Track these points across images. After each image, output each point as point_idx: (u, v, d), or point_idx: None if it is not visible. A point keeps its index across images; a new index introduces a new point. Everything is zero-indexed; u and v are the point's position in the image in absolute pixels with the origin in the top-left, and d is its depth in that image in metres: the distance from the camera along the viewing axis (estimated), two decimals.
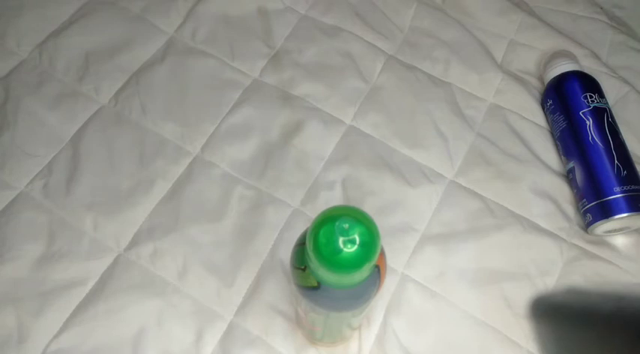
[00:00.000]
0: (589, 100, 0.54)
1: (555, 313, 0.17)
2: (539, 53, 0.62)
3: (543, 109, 0.59)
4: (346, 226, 0.26)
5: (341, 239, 0.26)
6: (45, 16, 0.59)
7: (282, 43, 0.60)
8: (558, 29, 0.64)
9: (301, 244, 0.30)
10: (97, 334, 0.45)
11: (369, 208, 0.51)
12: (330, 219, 0.26)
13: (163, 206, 0.50)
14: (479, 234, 0.51)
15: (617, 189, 0.49)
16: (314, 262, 0.27)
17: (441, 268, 0.49)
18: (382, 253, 0.31)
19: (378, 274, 0.30)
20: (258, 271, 0.48)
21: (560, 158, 0.56)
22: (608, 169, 0.50)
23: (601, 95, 0.55)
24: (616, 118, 0.54)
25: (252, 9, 0.62)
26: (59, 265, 0.47)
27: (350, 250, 0.26)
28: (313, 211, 0.51)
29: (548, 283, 0.50)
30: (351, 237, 0.26)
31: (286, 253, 0.48)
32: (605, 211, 0.49)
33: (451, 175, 0.54)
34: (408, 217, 0.51)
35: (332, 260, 0.26)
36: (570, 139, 0.53)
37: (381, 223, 0.50)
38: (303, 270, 0.29)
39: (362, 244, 0.26)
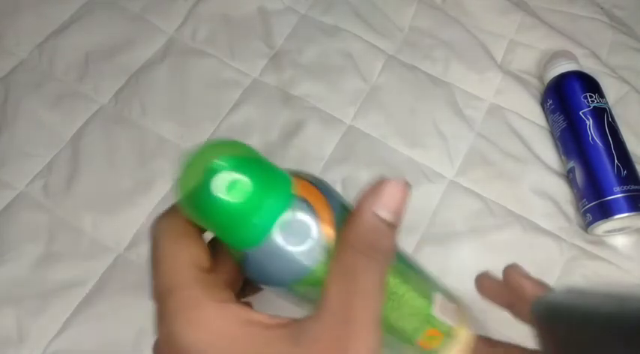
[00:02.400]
0: (589, 100, 0.54)
1: (555, 313, 0.17)
2: (539, 53, 0.62)
3: (543, 109, 0.59)
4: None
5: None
6: (45, 16, 0.59)
7: (282, 43, 0.60)
8: (558, 29, 0.64)
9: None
10: (97, 334, 0.45)
11: None
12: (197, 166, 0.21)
13: (163, 206, 0.50)
14: (479, 234, 0.51)
15: (617, 189, 0.49)
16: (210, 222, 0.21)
17: (441, 268, 0.49)
18: (311, 185, 0.22)
19: (309, 212, 0.21)
20: None
21: (560, 158, 0.56)
22: (608, 169, 0.50)
23: (601, 95, 0.55)
24: (616, 118, 0.54)
25: (252, 9, 0.62)
26: (59, 265, 0.47)
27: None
28: None
29: (548, 283, 0.50)
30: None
31: None
32: (605, 211, 0.49)
33: (451, 175, 0.54)
34: (408, 217, 0.51)
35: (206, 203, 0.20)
36: (570, 139, 0.53)
37: None
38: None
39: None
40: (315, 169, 0.53)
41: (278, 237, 0.20)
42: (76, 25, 0.58)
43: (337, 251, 0.20)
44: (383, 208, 0.20)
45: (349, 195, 0.55)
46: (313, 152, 0.54)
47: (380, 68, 0.60)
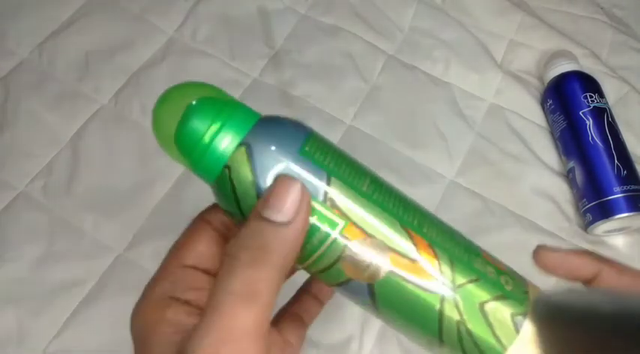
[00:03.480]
0: (589, 100, 0.54)
1: (555, 313, 0.17)
2: (539, 53, 0.62)
3: (543, 109, 0.59)
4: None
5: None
6: (45, 16, 0.59)
7: (282, 43, 0.60)
8: (558, 29, 0.64)
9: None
10: (97, 334, 0.45)
11: None
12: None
13: (163, 206, 0.50)
14: (479, 234, 0.51)
15: (617, 189, 0.49)
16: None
17: None
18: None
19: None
20: None
21: (560, 158, 0.56)
22: (608, 169, 0.50)
23: (601, 95, 0.55)
24: (616, 118, 0.54)
25: (252, 9, 0.62)
26: (59, 265, 0.47)
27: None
28: None
29: (548, 283, 0.50)
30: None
31: None
32: (605, 211, 0.49)
33: (451, 175, 0.54)
34: None
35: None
36: (570, 139, 0.53)
37: None
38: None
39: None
40: None
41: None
42: (76, 25, 0.58)
43: (223, 257, 0.20)
44: (268, 209, 0.20)
45: None
46: None
47: (380, 68, 0.60)
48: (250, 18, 0.61)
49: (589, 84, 0.55)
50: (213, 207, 0.25)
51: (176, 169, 0.52)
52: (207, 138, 0.21)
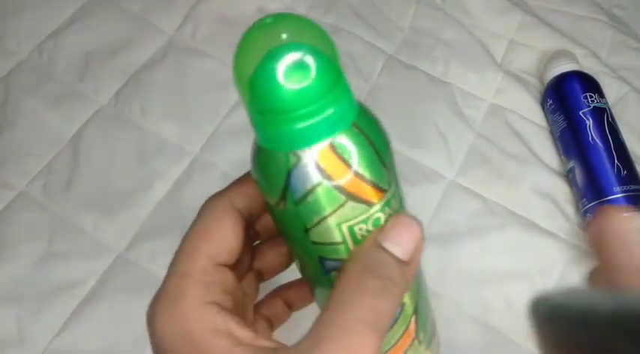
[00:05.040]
0: (589, 100, 0.54)
1: (555, 313, 0.17)
2: (539, 53, 0.62)
3: (543, 109, 0.59)
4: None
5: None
6: (45, 16, 0.59)
7: None
8: (558, 29, 0.64)
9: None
10: (97, 334, 0.45)
11: None
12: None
13: (163, 206, 0.50)
14: (479, 234, 0.51)
15: (617, 189, 0.49)
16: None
17: (441, 268, 0.49)
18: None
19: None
20: None
21: (560, 158, 0.56)
22: (608, 169, 0.50)
23: (601, 95, 0.55)
24: (616, 118, 0.54)
25: (252, 9, 0.62)
26: (59, 265, 0.47)
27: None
28: None
29: (548, 283, 0.50)
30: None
31: None
32: None
33: (451, 175, 0.54)
34: None
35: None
36: (570, 139, 0.53)
37: None
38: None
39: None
40: None
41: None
42: (76, 25, 0.58)
43: (343, 274, 0.20)
44: (388, 241, 0.20)
45: None
46: None
47: (380, 68, 0.60)
48: (250, 18, 0.61)
49: (589, 84, 0.55)
50: (239, 186, 0.23)
51: (176, 169, 0.52)
52: (299, 115, 0.18)
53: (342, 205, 0.20)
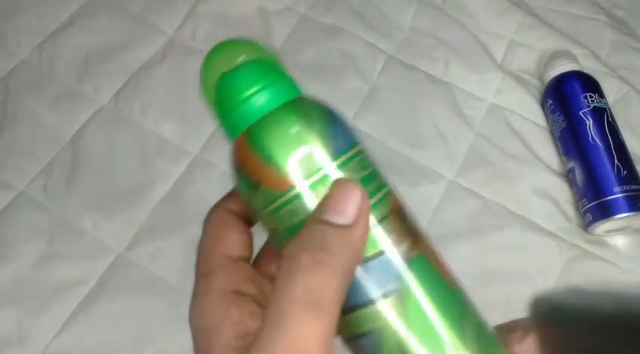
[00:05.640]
0: (589, 100, 0.54)
1: (555, 313, 0.17)
2: (539, 53, 0.62)
3: (543, 109, 0.59)
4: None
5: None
6: (45, 16, 0.59)
7: (282, 43, 0.60)
8: (558, 29, 0.64)
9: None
10: (97, 334, 0.45)
11: None
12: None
13: (163, 206, 0.50)
14: (479, 234, 0.51)
15: (617, 189, 0.49)
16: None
17: None
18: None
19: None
20: None
21: (560, 158, 0.56)
22: (608, 169, 0.50)
23: (601, 95, 0.55)
24: (616, 118, 0.54)
25: (252, 9, 0.62)
26: (59, 265, 0.47)
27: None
28: None
29: (548, 283, 0.50)
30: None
31: None
32: (605, 211, 0.49)
33: (451, 175, 0.54)
34: None
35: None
36: (570, 139, 0.53)
37: None
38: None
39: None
40: None
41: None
42: (76, 25, 0.58)
43: (282, 259, 0.20)
44: (329, 212, 0.20)
45: None
46: None
47: (380, 68, 0.60)
48: (250, 18, 0.61)
49: (589, 84, 0.55)
50: (230, 194, 0.25)
51: (176, 169, 0.52)
52: (242, 96, 0.22)
53: (256, 194, 0.22)
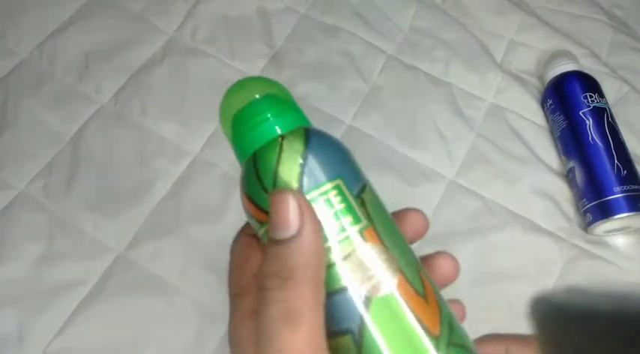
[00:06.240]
0: (589, 100, 0.54)
1: (555, 313, 0.17)
2: (539, 53, 0.62)
3: (543, 109, 0.59)
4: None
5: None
6: (45, 16, 0.59)
7: (282, 43, 0.60)
8: (558, 29, 0.64)
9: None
10: (96, 334, 0.45)
11: None
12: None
13: (163, 206, 0.50)
14: (479, 234, 0.51)
15: (617, 189, 0.49)
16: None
17: None
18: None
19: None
20: None
21: (560, 158, 0.56)
22: (608, 169, 0.50)
23: (601, 95, 0.55)
24: (616, 118, 0.54)
25: (252, 9, 0.62)
26: (59, 265, 0.47)
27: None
28: None
29: (548, 283, 0.50)
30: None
31: None
32: (605, 211, 0.49)
33: (451, 175, 0.54)
34: None
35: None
36: (570, 139, 0.53)
37: None
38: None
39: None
40: None
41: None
42: (76, 25, 0.58)
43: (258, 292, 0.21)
44: (274, 230, 0.20)
45: None
46: None
47: (380, 68, 0.60)
48: (250, 18, 0.61)
49: (589, 84, 0.55)
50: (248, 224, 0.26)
51: (176, 169, 0.52)
52: (256, 121, 0.23)
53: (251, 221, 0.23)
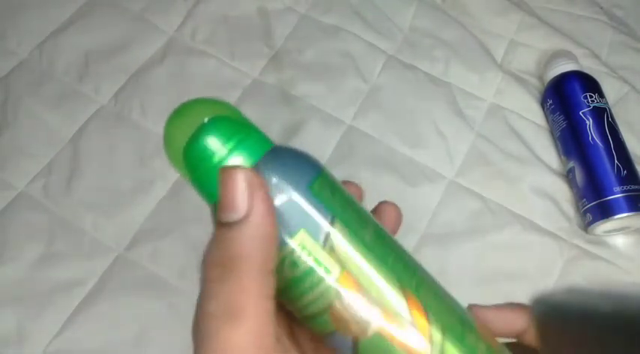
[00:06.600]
0: (589, 100, 0.54)
1: (555, 313, 0.17)
2: (539, 53, 0.62)
3: (543, 109, 0.59)
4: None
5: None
6: (45, 16, 0.59)
7: (282, 43, 0.60)
8: (558, 29, 0.64)
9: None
10: (97, 334, 0.45)
11: (368, 208, 0.51)
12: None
13: (163, 206, 0.50)
14: (479, 234, 0.51)
15: (617, 189, 0.49)
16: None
17: (441, 268, 0.49)
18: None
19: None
20: None
21: (560, 158, 0.56)
22: (608, 169, 0.50)
23: (601, 95, 0.55)
24: (616, 118, 0.54)
25: (252, 9, 0.62)
26: (59, 265, 0.47)
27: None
28: None
29: (548, 283, 0.50)
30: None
31: None
32: (605, 211, 0.49)
33: (451, 175, 0.54)
34: (408, 217, 0.51)
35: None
36: (570, 139, 0.53)
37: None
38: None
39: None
40: None
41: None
42: (76, 25, 0.58)
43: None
44: (222, 212, 0.18)
45: None
46: (313, 152, 0.54)
47: (380, 68, 0.60)
48: (250, 18, 0.61)
49: (589, 84, 0.55)
50: None
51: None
52: (216, 158, 0.20)
53: None
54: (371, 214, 0.23)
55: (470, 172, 0.54)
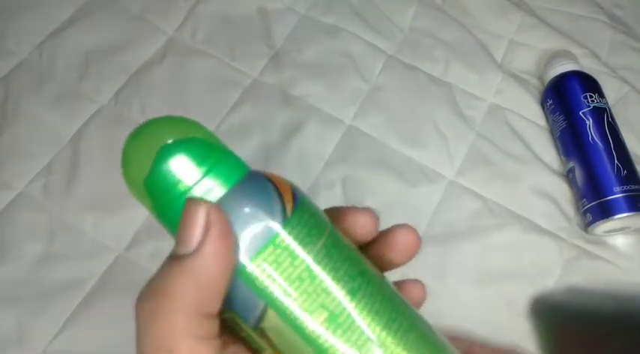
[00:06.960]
0: (589, 100, 0.54)
1: (555, 313, 0.17)
2: (539, 53, 0.62)
3: (543, 109, 0.59)
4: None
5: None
6: (45, 16, 0.59)
7: (282, 43, 0.60)
8: (558, 29, 0.64)
9: None
10: (97, 334, 0.45)
11: (368, 207, 0.51)
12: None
13: None
14: (479, 234, 0.51)
15: (617, 189, 0.49)
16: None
17: (441, 268, 0.49)
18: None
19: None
20: None
21: (560, 158, 0.56)
22: (608, 169, 0.50)
23: (601, 95, 0.55)
24: (616, 118, 0.54)
25: (252, 9, 0.62)
26: (59, 265, 0.47)
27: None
28: None
29: (548, 283, 0.50)
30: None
31: None
32: (605, 211, 0.49)
33: (451, 175, 0.54)
34: (408, 217, 0.51)
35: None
36: (570, 139, 0.53)
37: (381, 223, 0.50)
38: None
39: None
40: (315, 169, 0.53)
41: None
42: (76, 25, 0.58)
43: None
44: (177, 245, 0.18)
45: (349, 195, 0.55)
46: (313, 152, 0.54)
47: (380, 68, 0.60)
48: (250, 18, 0.61)
49: (589, 84, 0.55)
50: None
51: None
52: (180, 187, 0.18)
53: None
54: (347, 266, 0.20)
55: (470, 172, 0.54)
